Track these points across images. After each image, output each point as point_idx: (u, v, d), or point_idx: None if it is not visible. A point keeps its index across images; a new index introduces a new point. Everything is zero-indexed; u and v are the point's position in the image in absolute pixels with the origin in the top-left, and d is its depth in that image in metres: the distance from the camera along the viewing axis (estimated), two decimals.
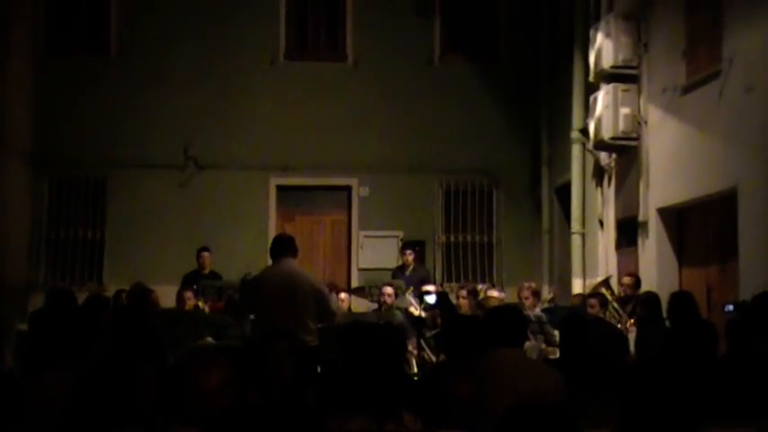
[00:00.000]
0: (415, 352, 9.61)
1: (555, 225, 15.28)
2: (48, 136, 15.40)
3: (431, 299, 10.89)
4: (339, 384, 3.96)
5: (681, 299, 7.95)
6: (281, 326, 7.64)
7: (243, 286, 9.09)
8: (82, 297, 9.12)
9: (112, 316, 8.87)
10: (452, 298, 11.55)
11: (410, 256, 13.71)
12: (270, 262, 8.85)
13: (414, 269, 13.60)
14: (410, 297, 11.67)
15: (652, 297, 8.94)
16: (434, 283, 13.75)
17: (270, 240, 9.03)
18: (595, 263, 13.02)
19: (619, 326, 9.42)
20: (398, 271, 13.70)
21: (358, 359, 3.96)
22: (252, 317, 8.57)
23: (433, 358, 9.72)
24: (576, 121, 13.39)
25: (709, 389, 3.47)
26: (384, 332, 4.19)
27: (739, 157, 9.45)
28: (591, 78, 12.37)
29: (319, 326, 8.21)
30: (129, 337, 4.63)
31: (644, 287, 10.46)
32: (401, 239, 15.53)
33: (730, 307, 8.07)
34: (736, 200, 9.49)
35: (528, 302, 10.19)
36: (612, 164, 12.58)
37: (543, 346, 9.05)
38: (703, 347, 5.17)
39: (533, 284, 10.85)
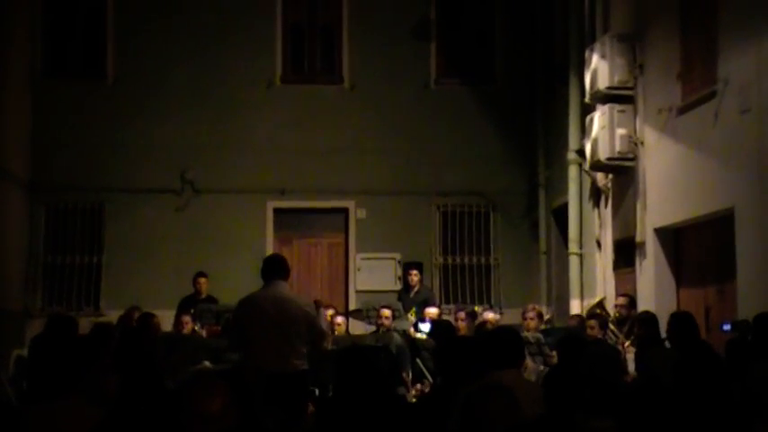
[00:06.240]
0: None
1: (552, 246, 15.27)
2: (44, 161, 15.41)
3: (425, 327, 10.90)
4: (334, 408, 3.94)
5: (681, 320, 7.92)
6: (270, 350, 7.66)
7: (234, 311, 8.97)
8: (80, 323, 9.06)
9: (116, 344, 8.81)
10: (450, 320, 11.52)
11: (416, 277, 13.64)
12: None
13: (418, 291, 13.55)
14: (414, 318, 11.70)
15: (650, 317, 8.93)
16: (438, 305, 13.69)
17: None
18: (593, 284, 13.00)
19: (617, 346, 9.40)
20: (404, 292, 13.66)
21: (352, 382, 3.95)
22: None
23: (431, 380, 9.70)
24: (573, 143, 13.40)
25: (715, 409, 3.48)
26: (378, 355, 4.18)
27: (735, 178, 9.47)
28: (587, 99, 12.39)
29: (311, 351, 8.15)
30: (130, 366, 4.60)
31: (642, 307, 10.44)
32: (399, 261, 15.52)
33: (728, 326, 8.05)
34: (733, 220, 9.49)
35: (532, 324, 10.18)
36: (609, 185, 12.59)
37: (542, 367, 9.03)
38: (710, 370, 5.16)
39: (537, 306, 10.81)
